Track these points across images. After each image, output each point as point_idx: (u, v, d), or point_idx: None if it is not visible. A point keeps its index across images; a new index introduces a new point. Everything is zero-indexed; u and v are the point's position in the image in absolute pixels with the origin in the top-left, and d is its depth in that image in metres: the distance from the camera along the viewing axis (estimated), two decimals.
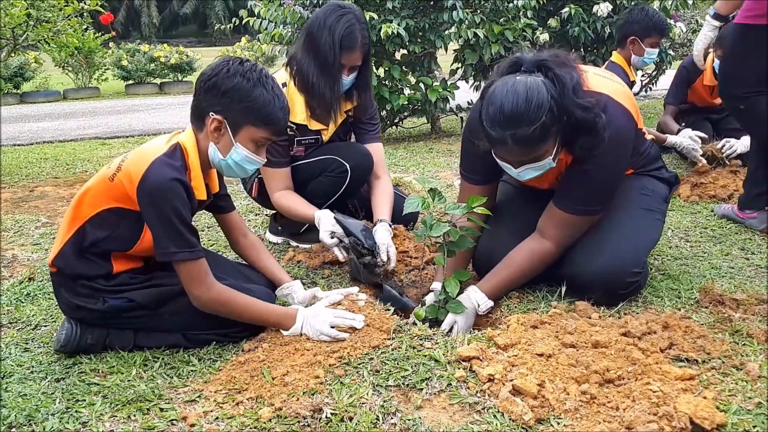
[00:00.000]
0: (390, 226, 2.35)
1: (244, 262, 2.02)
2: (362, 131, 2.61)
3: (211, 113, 1.65)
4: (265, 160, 1.79)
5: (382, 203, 2.47)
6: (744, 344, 1.61)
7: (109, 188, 1.65)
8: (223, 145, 1.69)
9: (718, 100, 3.72)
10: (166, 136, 1.74)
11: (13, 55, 5.19)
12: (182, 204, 1.60)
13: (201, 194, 1.71)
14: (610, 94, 1.81)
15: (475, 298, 1.84)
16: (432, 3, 4.90)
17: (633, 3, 5.34)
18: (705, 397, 1.33)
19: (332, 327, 1.67)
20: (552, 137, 1.67)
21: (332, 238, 2.21)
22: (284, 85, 2.42)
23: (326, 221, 2.24)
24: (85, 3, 4.74)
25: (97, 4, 4.76)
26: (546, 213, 1.91)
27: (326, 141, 2.52)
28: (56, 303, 2.04)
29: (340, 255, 2.22)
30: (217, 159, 1.71)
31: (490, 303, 1.85)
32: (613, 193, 1.91)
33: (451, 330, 1.77)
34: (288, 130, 2.37)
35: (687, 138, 3.43)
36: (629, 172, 2.03)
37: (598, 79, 1.85)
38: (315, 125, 2.45)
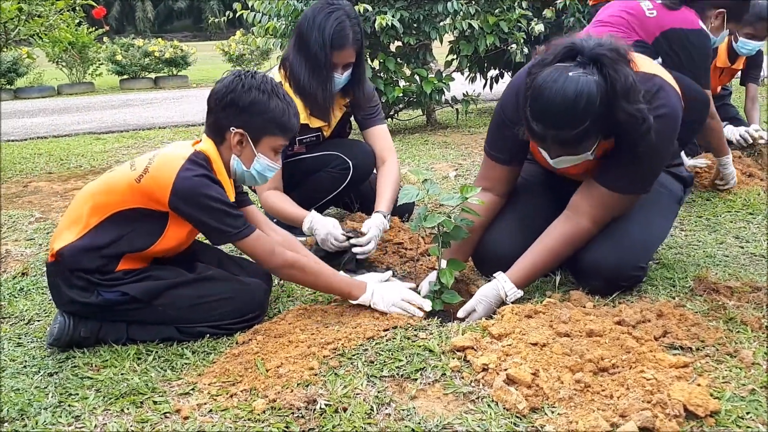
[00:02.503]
0: (386, 217, 2.29)
1: (241, 255, 2.01)
2: (366, 117, 2.54)
3: (232, 128, 1.71)
4: (281, 164, 1.84)
5: (384, 192, 2.37)
6: (738, 332, 1.61)
7: (134, 190, 1.67)
8: (245, 157, 1.76)
9: (719, 88, 3.70)
10: (187, 142, 1.77)
11: (5, 50, 5.16)
12: (218, 192, 1.66)
13: (231, 196, 1.75)
14: (662, 76, 1.78)
15: (504, 287, 1.78)
16: None
17: None
18: (699, 385, 1.33)
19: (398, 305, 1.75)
20: (593, 137, 1.64)
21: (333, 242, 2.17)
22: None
23: (323, 226, 2.20)
24: None
25: None
26: (582, 191, 1.83)
27: (327, 137, 2.50)
28: (49, 298, 2.04)
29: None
30: (240, 170, 1.77)
31: (519, 292, 1.79)
32: (656, 176, 1.83)
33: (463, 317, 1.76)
34: None
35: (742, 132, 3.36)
36: None
37: (646, 62, 1.80)
38: (316, 123, 2.43)
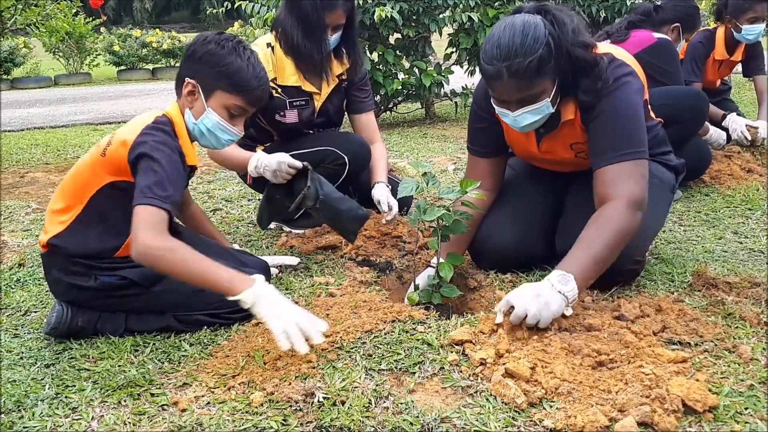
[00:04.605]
0: (386, 185, 2.39)
1: (241, 249, 2.01)
2: (356, 99, 2.59)
3: (186, 78, 1.70)
4: (243, 133, 1.78)
5: (377, 167, 2.48)
6: (737, 327, 1.61)
7: (103, 163, 1.65)
8: (196, 110, 1.72)
9: (718, 82, 3.69)
10: (153, 111, 1.74)
11: (1, 39, 5.12)
12: (174, 162, 1.59)
13: (192, 159, 1.74)
14: (613, 53, 1.80)
15: (562, 288, 1.53)
16: None
17: None
18: (697, 380, 1.33)
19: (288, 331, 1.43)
20: (549, 75, 1.65)
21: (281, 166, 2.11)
22: (269, 46, 2.40)
23: (272, 157, 2.14)
24: None
25: None
26: (595, 183, 1.74)
27: (319, 108, 2.49)
28: (46, 288, 2.03)
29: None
30: (191, 124, 1.73)
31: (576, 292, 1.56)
32: (642, 133, 1.75)
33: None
34: (272, 96, 2.33)
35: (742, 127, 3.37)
36: None
37: (602, 45, 1.84)
38: (308, 87, 2.45)
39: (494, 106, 1.77)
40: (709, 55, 3.52)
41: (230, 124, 1.73)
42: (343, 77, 2.54)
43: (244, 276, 1.51)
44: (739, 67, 3.71)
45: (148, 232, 1.48)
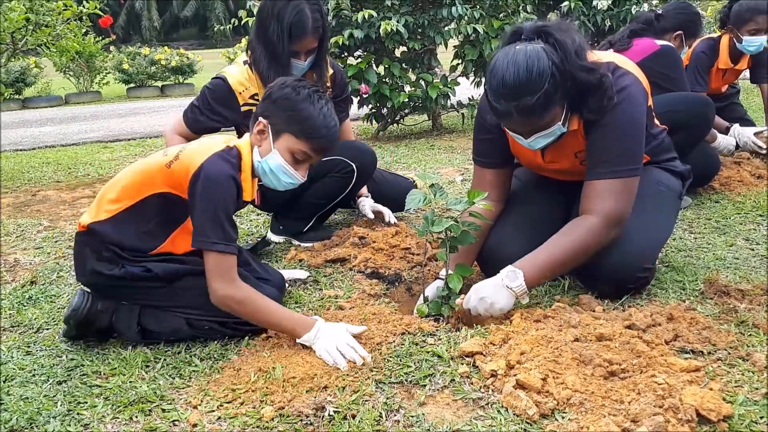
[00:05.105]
0: (367, 197, 2.59)
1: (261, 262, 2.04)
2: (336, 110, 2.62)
3: (260, 118, 1.78)
4: (304, 179, 1.83)
5: None
6: (750, 335, 1.59)
7: (165, 174, 1.72)
8: (264, 149, 1.78)
9: (725, 87, 3.68)
10: (225, 136, 1.84)
11: (13, 59, 5.21)
12: (230, 199, 1.69)
13: (248, 196, 1.79)
14: (616, 62, 1.81)
15: (510, 284, 1.70)
16: None
17: None
18: (711, 389, 1.31)
19: (338, 350, 1.57)
20: (558, 103, 1.66)
21: None
22: (246, 63, 2.42)
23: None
24: (83, 6, 4.74)
25: (95, 8, 4.76)
26: (582, 193, 1.81)
27: None
28: (58, 306, 2.05)
29: None
30: (256, 161, 1.79)
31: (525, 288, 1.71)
32: (640, 150, 1.79)
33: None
34: (247, 107, 2.38)
35: (749, 136, 3.36)
36: (645, 160, 1.96)
37: (604, 54, 1.84)
38: None
39: (507, 131, 1.78)
40: (713, 64, 3.51)
41: (293, 168, 1.79)
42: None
43: (305, 321, 1.65)
44: (746, 72, 3.69)
45: (221, 283, 1.65)
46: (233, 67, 2.45)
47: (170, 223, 1.76)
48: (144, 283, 1.74)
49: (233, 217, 1.73)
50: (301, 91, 1.76)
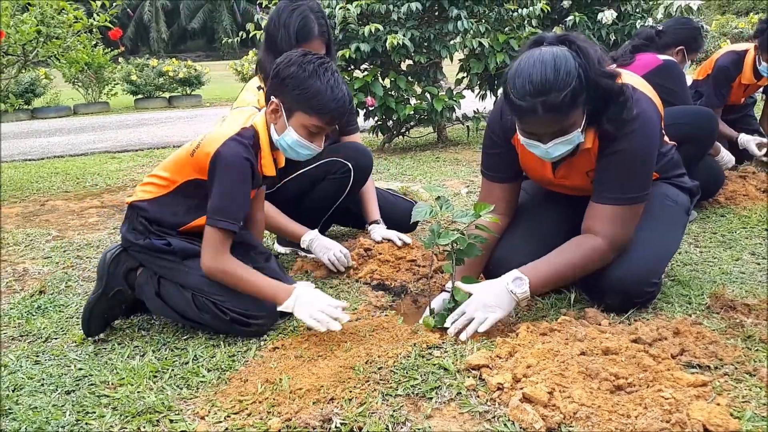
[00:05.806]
0: (378, 223, 2.55)
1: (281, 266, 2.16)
2: (344, 124, 2.65)
3: (272, 97, 1.86)
4: (322, 148, 1.92)
5: (370, 203, 2.59)
6: (757, 350, 1.59)
7: (191, 162, 1.86)
8: (279, 126, 1.88)
9: (743, 98, 3.70)
10: (245, 114, 1.93)
11: (23, 71, 5.27)
12: (245, 179, 1.81)
13: (269, 170, 1.93)
14: (632, 83, 1.82)
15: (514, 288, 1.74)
16: (437, 13, 4.93)
17: (637, 10, 5.35)
18: (718, 404, 1.31)
19: (316, 317, 1.72)
20: (581, 106, 1.66)
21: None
22: (260, 88, 2.43)
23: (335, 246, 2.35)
24: (94, 19, 4.80)
25: (106, 20, 4.82)
26: (588, 213, 1.84)
27: None
28: (67, 315, 2.09)
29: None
30: (274, 138, 1.89)
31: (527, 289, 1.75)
32: (650, 177, 1.83)
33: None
34: None
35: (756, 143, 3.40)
36: (654, 177, 1.98)
37: (620, 70, 1.86)
38: None
39: (522, 138, 1.76)
40: (736, 78, 3.52)
41: (309, 141, 1.87)
42: None
43: (285, 288, 1.80)
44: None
45: (212, 254, 1.79)
46: (249, 95, 2.42)
47: (200, 205, 1.85)
48: (161, 255, 1.88)
49: (246, 200, 1.86)
50: (307, 67, 1.80)
